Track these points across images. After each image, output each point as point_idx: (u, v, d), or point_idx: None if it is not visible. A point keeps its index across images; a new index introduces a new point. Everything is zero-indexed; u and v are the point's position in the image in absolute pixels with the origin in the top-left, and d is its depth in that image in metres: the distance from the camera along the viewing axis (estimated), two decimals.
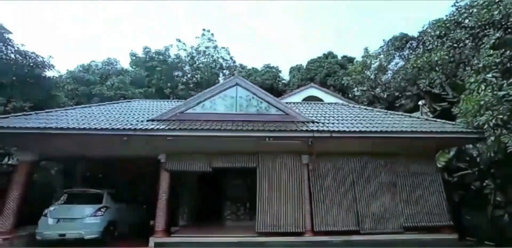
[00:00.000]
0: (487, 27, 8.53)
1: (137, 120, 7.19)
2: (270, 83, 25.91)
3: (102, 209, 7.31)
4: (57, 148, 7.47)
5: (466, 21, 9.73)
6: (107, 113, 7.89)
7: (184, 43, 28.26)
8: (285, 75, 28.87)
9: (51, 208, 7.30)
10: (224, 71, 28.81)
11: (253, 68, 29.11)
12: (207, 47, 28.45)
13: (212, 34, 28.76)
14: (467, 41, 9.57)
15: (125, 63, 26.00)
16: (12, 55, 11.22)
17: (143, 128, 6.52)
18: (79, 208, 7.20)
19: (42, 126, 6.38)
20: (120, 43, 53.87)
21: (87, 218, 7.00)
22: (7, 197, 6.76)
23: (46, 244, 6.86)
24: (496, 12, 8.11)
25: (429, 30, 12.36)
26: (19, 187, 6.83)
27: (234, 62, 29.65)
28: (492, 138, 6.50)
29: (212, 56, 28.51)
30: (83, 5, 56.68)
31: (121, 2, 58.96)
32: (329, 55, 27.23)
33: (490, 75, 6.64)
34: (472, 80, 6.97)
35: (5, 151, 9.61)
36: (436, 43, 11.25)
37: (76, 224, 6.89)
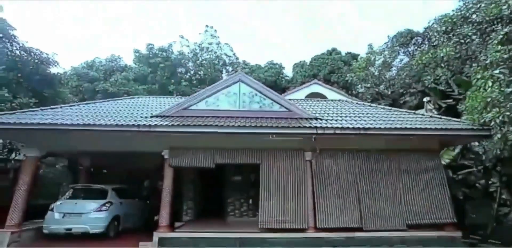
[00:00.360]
0: (495, 22, 8.35)
1: (141, 117, 7.23)
2: (273, 80, 25.83)
3: (106, 204, 7.41)
4: (62, 143, 7.56)
5: (474, 16, 9.53)
6: (111, 110, 7.94)
7: (187, 40, 28.28)
8: (288, 72, 28.75)
9: (57, 203, 7.43)
10: (227, 67, 28.79)
11: (256, 64, 29.01)
12: (210, 44, 28.40)
13: (215, 30, 28.69)
14: (474, 37, 9.39)
15: (128, 60, 26.12)
16: (17, 52, 11.33)
17: (147, 124, 6.56)
18: (84, 203, 7.31)
19: (47, 122, 6.45)
20: (120, 44, 54.32)
21: (92, 213, 7.11)
22: (15, 192, 6.87)
23: (53, 238, 7.00)
24: (504, 7, 7.92)
25: (435, 26, 12.16)
26: (26, 181, 6.94)
27: (237, 58, 29.58)
28: (499, 135, 6.41)
29: (215, 52, 28.48)
30: (83, 5, 56.93)
31: (121, 2, 59.10)
32: (333, 52, 26.99)
33: (497, 71, 6.51)
34: (479, 76, 6.85)
35: (12, 147, 9.77)
36: (442, 39, 11.06)
37: (81, 219, 7.01)
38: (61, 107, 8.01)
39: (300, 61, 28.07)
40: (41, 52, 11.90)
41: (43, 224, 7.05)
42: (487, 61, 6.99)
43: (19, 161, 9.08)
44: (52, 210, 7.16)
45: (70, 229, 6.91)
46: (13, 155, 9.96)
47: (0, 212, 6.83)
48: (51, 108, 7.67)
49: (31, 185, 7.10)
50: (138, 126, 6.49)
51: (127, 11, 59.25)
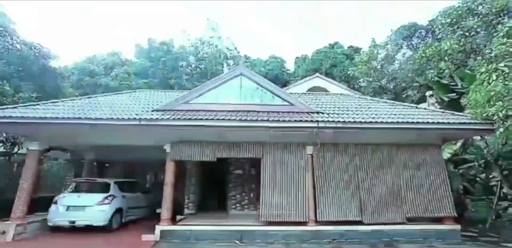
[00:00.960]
0: (501, 14, 8.20)
1: (142, 111, 7.23)
2: (275, 74, 25.72)
3: (109, 198, 7.50)
4: (64, 137, 7.60)
5: (480, 8, 9.36)
6: (112, 104, 7.95)
7: (188, 33, 28.09)
8: (290, 66, 28.57)
9: (61, 196, 7.53)
10: (228, 61, 28.64)
11: (257, 58, 28.85)
12: (211, 37, 28.19)
13: (216, 23, 28.44)
14: (479, 29, 9.26)
15: (129, 56, 26.01)
16: (18, 46, 11.32)
17: (148, 118, 6.56)
18: (88, 196, 7.40)
19: (49, 116, 6.48)
20: (121, 43, 53.97)
21: (95, 206, 7.20)
22: (19, 185, 6.96)
23: (57, 230, 7.12)
24: None
25: (440, 18, 11.95)
26: (29, 175, 7.02)
27: (238, 52, 29.40)
28: (501, 129, 6.36)
29: (216, 46, 28.29)
30: (82, 4, 56.41)
31: (121, 2, 58.52)
32: (335, 45, 26.73)
33: (502, 64, 6.42)
34: (483, 70, 6.76)
35: (14, 140, 9.85)
36: (446, 31, 10.90)
37: (85, 212, 7.10)
38: (62, 101, 8.02)
39: (302, 55, 27.85)
40: (41, 46, 11.89)
41: (48, 217, 7.17)
42: (492, 54, 6.89)
43: (23, 155, 9.17)
44: (56, 203, 7.26)
45: (74, 222, 7.02)
46: (16, 148, 10.06)
47: (7, 204, 6.95)
48: (53, 102, 7.69)
49: (35, 178, 7.17)
50: (140, 119, 6.49)
51: (127, 12, 58.90)
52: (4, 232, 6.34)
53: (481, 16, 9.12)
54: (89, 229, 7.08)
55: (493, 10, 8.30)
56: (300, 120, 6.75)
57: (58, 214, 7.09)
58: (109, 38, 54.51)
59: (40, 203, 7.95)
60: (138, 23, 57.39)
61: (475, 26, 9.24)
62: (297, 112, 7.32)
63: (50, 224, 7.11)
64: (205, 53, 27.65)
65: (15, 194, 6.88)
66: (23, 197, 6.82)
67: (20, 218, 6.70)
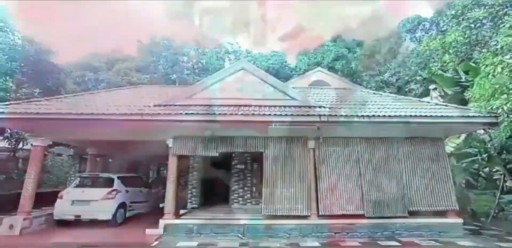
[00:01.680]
0: (508, 5, 8.02)
1: (144, 106, 7.24)
2: (276, 68, 25.52)
3: (113, 192, 7.58)
4: (67, 132, 7.65)
5: None
6: (115, 99, 7.97)
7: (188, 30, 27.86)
8: (291, 60, 28.35)
9: (66, 191, 7.63)
10: (230, 55, 28.48)
11: (259, 53, 28.63)
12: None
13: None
14: (485, 21, 9.07)
15: (130, 51, 25.91)
16: (19, 42, 11.33)
17: (150, 113, 6.57)
18: (92, 191, 7.49)
19: (52, 111, 6.51)
20: (121, 44, 53.72)
21: (100, 201, 7.29)
22: (24, 180, 7.05)
23: (63, 224, 7.24)
24: None
25: (445, 10, 11.74)
26: (34, 170, 7.10)
27: (240, 47, 29.20)
28: (505, 123, 6.29)
29: (217, 40, 28.09)
30: (80, 4, 56.00)
31: (121, 2, 58.04)
32: (338, 39, 26.42)
33: (508, 57, 6.31)
34: (488, 62, 6.65)
35: (19, 136, 9.95)
36: (451, 23, 10.71)
37: (89, 206, 7.19)
38: (65, 97, 8.06)
39: (304, 49, 27.59)
40: (41, 41, 11.90)
41: (54, 211, 7.27)
42: (498, 46, 6.77)
43: (27, 150, 9.27)
44: (61, 197, 7.36)
45: (79, 216, 7.13)
46: (21, 144, 10.17)
47: (13, 199, 7.05)
48: (56, 98, 7.72)
49: (39, 173, 7.25)
50: (142, 114, 6.51)
51: (126, 11, 58.50)
52: (11, 226, 6.46)
53: (487, 7, 8.93)
54: (94, 224, 7.18)
55: (500, 1, 8.12)
56: (302, 115, 6.73)
57: (63, 208, 7.19)
58: (109, 38, 54.29)
59: (45, 198, 8.07)
60: (138, 23, 57.05)
61: (481, 18, 9.05)
62: (299, 106, 7.28)
63: (56, 218, 7.23)
64: (207, 48, 27.50)
65: (21, 189, 6.97)
66: (29, 192, 6.92)
67: (26, 212, 6.80)
